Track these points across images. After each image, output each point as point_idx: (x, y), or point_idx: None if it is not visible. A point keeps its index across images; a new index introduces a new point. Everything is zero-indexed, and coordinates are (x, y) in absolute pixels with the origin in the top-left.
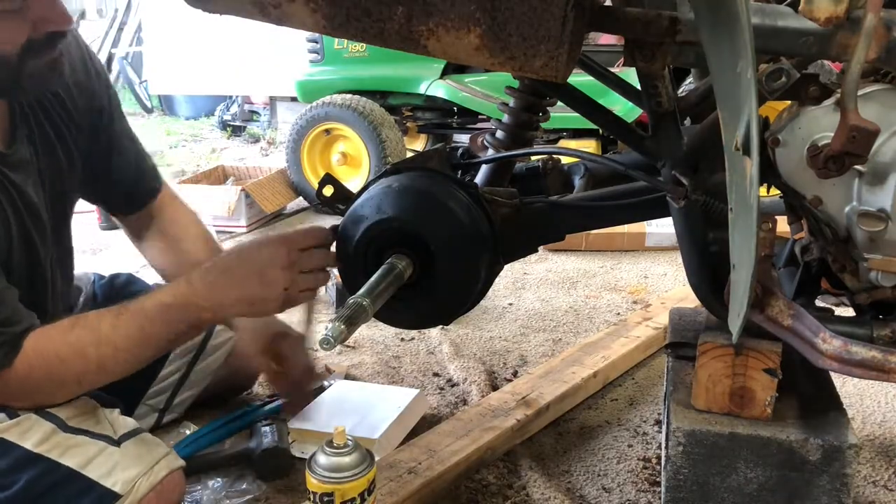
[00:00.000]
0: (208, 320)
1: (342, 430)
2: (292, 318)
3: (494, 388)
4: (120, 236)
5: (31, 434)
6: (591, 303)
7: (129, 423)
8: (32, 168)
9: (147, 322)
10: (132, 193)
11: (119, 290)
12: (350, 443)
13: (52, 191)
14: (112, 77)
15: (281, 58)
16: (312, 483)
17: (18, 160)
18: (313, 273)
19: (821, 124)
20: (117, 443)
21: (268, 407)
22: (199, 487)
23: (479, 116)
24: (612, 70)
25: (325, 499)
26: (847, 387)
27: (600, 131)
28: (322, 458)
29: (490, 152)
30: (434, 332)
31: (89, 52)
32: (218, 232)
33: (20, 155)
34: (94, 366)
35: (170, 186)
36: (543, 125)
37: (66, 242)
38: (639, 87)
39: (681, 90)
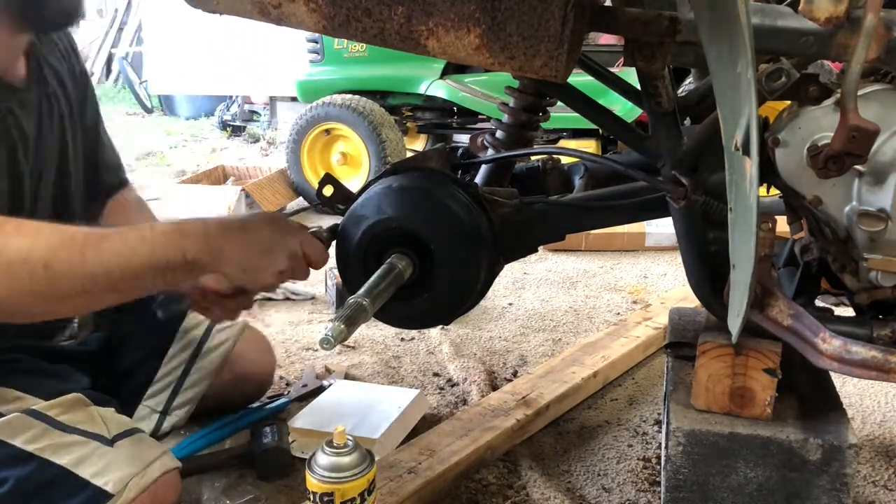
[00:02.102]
0: (192, 262)
1: (342, 430)
2: None
3: (494, 388)
4: None
5: (21, 432)
6: (590, 303)
7: (124, 421)
8: (37, 115)
9: (129, 238)
10: (98, 181)
11: None
12: (350, 443)
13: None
14: (112, 77)
15: (281, 58)
16: (312, 483)
17: (27, 100)
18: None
19: (821, 124)
20: (111, 442)
21: (268, 407)
22: (198, 487)
23: (479, 116)
24: (612, 70)
25: (325, 499)
26: (847, 387)
27: (600, 131)
28: (322, 458)
29: (490, 152)
30: (434, 332)
31: (77, 50)
32: None
33: (30, 97)
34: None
35: (136, 193)
36: (543, 125)
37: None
38: (639, 87)
39: (681, 90)
